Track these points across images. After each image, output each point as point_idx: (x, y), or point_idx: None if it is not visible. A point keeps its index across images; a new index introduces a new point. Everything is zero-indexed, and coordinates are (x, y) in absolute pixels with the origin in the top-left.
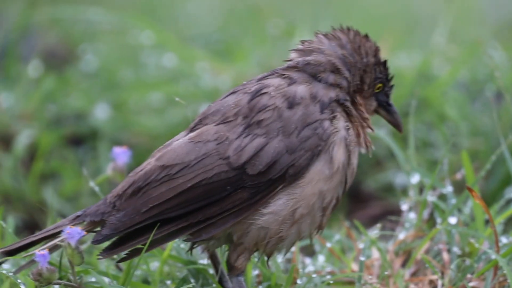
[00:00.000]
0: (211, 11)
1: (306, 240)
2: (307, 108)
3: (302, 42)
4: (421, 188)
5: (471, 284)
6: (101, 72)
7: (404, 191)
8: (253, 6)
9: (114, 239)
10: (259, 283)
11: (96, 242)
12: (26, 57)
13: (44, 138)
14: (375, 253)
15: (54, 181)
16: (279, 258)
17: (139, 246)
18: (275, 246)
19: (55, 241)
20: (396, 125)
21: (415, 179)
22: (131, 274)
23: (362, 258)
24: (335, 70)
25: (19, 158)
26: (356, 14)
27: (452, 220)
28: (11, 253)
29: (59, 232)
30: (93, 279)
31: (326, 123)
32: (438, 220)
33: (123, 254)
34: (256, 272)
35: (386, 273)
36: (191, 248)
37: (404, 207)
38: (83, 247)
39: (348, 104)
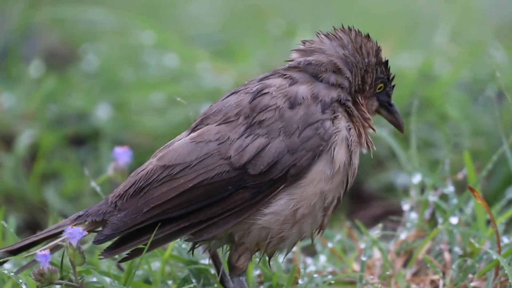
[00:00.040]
0: (213, 11)
1: (307, 240)
2: (309, 108)
3: (304, 42)
4: (422, 188)
5: (472, 284)
6: (102, 72)
7: (406, 191)
8: (254, 6)
9: (115, 239)
10: (261, 283)
11: (97, 242)
12: (28, 57)
13: (46, 138)
14: (377, 253)
15: (56, 181)
16: (281, 258)
17: (141, 246)
18: (277, 246)
19: (57, 241)
20: (398, 125)
21: (416, 179)
22: (133, 274)
23: (363, 258)
24: (337, 70)
25: (21, 158)
26: (357, 14)
27: (454, 220)
28: (12, 253)
29: (61, 232)
30: (95, 279)
31: (328, 123)
32: (440, 220)
33: (124, 254)
34: (258, 272)
35: (387, 273)
36: (193, 248)
37: (406, 207)
38: (85, 247)
39: (350, 104)
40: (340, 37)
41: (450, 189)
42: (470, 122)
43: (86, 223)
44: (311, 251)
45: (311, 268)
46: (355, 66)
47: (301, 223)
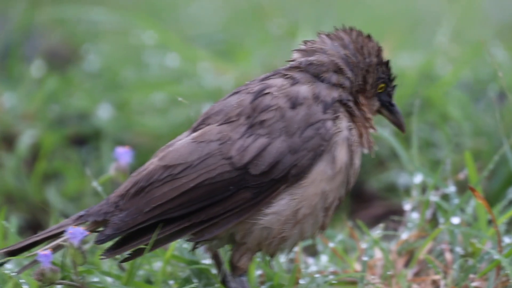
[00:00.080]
0: (214, 11)
1: (308, 240)
2: (310, 108)
3: (305, 42)
4: (424, 188)
5: (473, 284)
6: (104, 72)
7: (407, 191)
8: (255, 6)
9: (117, 239)
10: (262, 283)
11: (99, 242)
12: (29, 57)
13: (47, 138)
14: (378, 253)
15: (57, 181)
16: (282, 258)
17: (142, 246)
18: (278, 246)
19: (58, 241)
20: (399, 125)
21: (418, 179)
22: (134, 274)
23: (365, 258)
24: (338, 70)
25: (22, 158)
26: (358, 14)
27: (455, 220)
28: (13, 253)
29: (62, 232)
30: (96, 279)
31: (329, 123)
32: (441, 220)
33: (126, 254)
34: (259, 272)
35: (389, 273)
36: (194, 248)
37: (407, 207)
38: (86, 247)
39: (351, 104)
40: (341, 37)
41: (451, 189)
42: (471, 122)
43: (88, 223)
44: (312, 251)
45: (313, 268)
46: (356, 66)
47: (302, 223)
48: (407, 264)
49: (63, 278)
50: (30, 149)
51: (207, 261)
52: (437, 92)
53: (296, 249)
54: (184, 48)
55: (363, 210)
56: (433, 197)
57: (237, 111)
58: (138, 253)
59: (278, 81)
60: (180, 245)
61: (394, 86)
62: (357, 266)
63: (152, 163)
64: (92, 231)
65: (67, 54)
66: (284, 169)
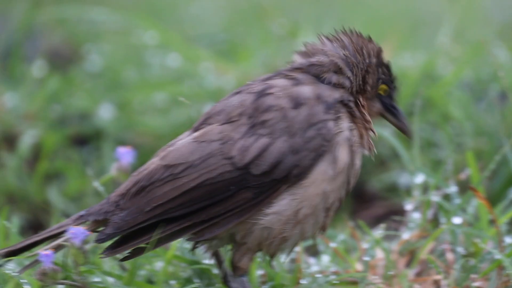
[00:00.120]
0: (215, 11)
1: (309, 240)
2: (312, 109)
3: (305, 44)
4: (425, 188)
5: (475, 284)
6: (105, 72)
7: (408, 191)
8: (257, 6)
9: (116, 238)
10: (263, 283)
11: (99, 241)
12: (30, 57)
13: (48, 138)
14: (379, 253)
15: (58, 181)
16: (282, 259)
17: (142, 245)
18: (278, 247)
19: (59, 241)
20: (404, 130)
21: (419, 179)
22: (135, 274)
23: (366, 258)
24: (338, 70)
25: (23, 158)
26: (360, 13)
27: (456, 220)
28: (14, 253)
29: (62, 232)
30: (98, 279)
31: (330, 124)
32: (442, 220)
33: (125, 253)
34: (260, 272)
35: (390, 273)
36: (194, 248)
37: (408, 207)
38: (87, 247)
39: (352, 105)
40: (341, 39)
41: (452, 189)
42: (472, 122)
43: (88, 222)
44: (314, 251)
45: (314, 268)
46: (356, 66)
47: (303, 223)
48: (408, 264)
49: (64, 278)
50: (32, 149)
51: (209, 261)
52: (438, 92)
53: (298, 249)
54: (185, 48)
55: (364, 210)
56: (435, 197)
57: (238, 111)
58: (138, 252)
59: (280, 82)
60: (181, 245)
61: (395, 89)
62: (359, 266)
63: (153, 162)
64: (93, 230)
65: (69, 54)
66: (286, 169)
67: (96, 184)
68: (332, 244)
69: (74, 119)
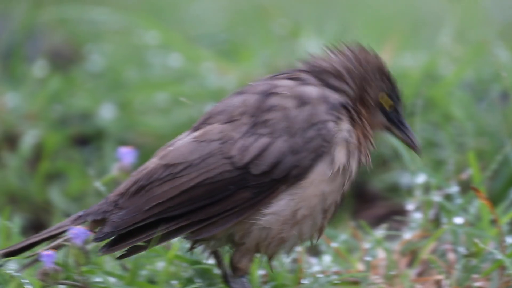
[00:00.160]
0: (217, 11)
1: (306, 243)
2: (314, 109)
3: (308, 54)
4: (426, 188)
5: (476, 284)
6: (106, 72)
7: (410, 191)
8: (258, 6)
9: (114, 236)
10: (265, 283)
11: (97, 239)
12: (32, 57)
13: (50, 138)
14: (381, 253)
15: (60, 181)
16: (283, 259)
17: (140, 243)
18: (277, 248)
19: (58, 241)
20: (411, 146)
21: (420, 179)
22: (137, 274)
23: (368, 258)
24: (340, 78)
25: (25, 158)
26: (361, 13)
27: (458, 220)
28: (13, 253)
29: (62, 233)
30: (99, 279)
31: (331, 125)
32: (444, 220)
33: (123, 251)
34: (262, 272)
35: (391, 273)
36: (192, 247)
37: (410, 207)
38: (89, 247)
39: (353, 112)
40: (342, 50)
41: (454, 189)
42: (474, 122)
43: (87, 223)
44: (315, 251)
45: (316, 268)
46: (357, 76)
47: (301, 224)
48: (410, 264)
49: (66, 278)
50: (33, 149)
51: (211, 261)
52: (439, 92)
53: (299, 249)
54: (186, 48)
55: (365, 210)
56: (436, 197)
57: (240, 110)
58: (135, 250)
59: (285, 81)
60: (183, 245)
61: (401, 103)
62: (360, 266)
63: (153, 162)
64: (92, 230)
65: (70, 54)
66: (285, 169)
67: (98, 184)
68: (334, 244)
69: (75, 119)
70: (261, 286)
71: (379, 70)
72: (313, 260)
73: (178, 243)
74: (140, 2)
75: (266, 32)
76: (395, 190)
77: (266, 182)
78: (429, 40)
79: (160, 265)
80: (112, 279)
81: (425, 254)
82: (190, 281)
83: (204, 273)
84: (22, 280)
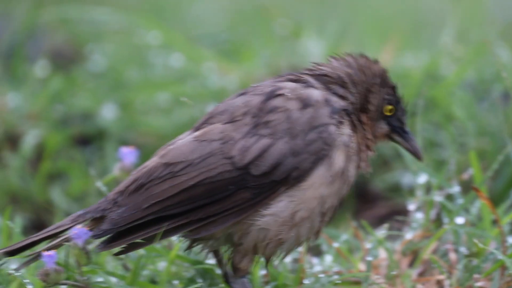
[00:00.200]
0: (218, 11)
1: (303, 246)
2: (316, 112)
3: (313, 63)
4: (428, 188)
5: (478, 284)
6: (108, 72)
7: (411, 191)
8: (260, 6)
9: (112, 233)
10: (266, 283)
11: (95, 236)
12: (33, 57)
13: (51, 138)
14: (382, 253)
15: (61, 181)
16: (286, 259)
17: (138, 240)
18: (274, 249)
19: (57, 240)
20: (414, 153)
21: (422, 179)
22: (139, 274)
23: (369, 258)
24: (343, 84)
25: (26, 158)
26: (362, 14)
27: (459, 220)
28: (12, 253)
29: (61, 232)
30: (100, 279)
31: (332, 128)
32: (445, 220)
33: (120, 247)
34: (263, 272)
35: (393, 273)
36: (190, 247)
37: (411, 207)
38: (90, 247)
39: (354, 118)
40: (346, 59)
41: (455, 189)
42: (475, 122)
43: (86, 221)
44: (316, 251)
45: (317, 268)
46: (359, 84)
47: (299, 226)
48: (411, 264)
49: (67, 278)
50: (34, 149)
51: (212, 261)
52: (441, 92)
53: (301, 249)
54: (188, 48)
55: (367, 210)
56: (438, 197)
57: (242, 111)
58: (133, 247)
59: (288, 83)
60: (184, 245)
61: (404, 111)
62: (362, 266)
63: (153, 160)
64: (92, 229)
65: (71, 54)
66: (285, 171)
67: (99, 184)
68: (335, 244)
69: (77, 119)
70: (262, 286)
71: (382, 78)
72: (315, 260)
73: (180, 243)
74: (141, 2)
75: (267, 32)
76: (397, 190)
77: (266, 183)
78: (431, 40)
79: (162, 265)
80: (113, 279)
81: (426, 254)
82: (191, 281)
83: (206, 273)
84: (24, 281)
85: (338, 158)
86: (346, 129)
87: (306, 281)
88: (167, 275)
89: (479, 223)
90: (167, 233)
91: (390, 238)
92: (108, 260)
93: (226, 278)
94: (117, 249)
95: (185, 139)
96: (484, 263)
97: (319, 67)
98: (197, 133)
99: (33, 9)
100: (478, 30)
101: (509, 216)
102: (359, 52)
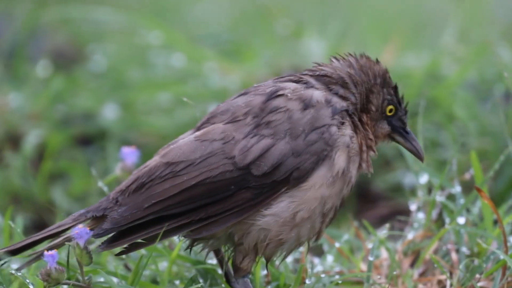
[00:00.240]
0: (220, 11)
1: (304, 247)
2: (318, 112)
3: (315, 63)
4: (429, 188)
5: (479, 284)
6: (109, 72)
7: (413, 191)
8: (261, 6)
9: (114, 233)
10: (268, 283)
11: (96, 236)
12: (35, 57)
13: (53, 138)
14: (384, 253)
15: (63, 181)
16: (278, 262)
17: (140, 240)
18: (275, 249)
19: (58, 240)
20: (415, 153)
21: (423, 179)
22: (140, 274)
23: (370, 258)
24: (344, 85)
25: (28, 158)
26: (364, 14)
27: (461, 220)
28: (13, 253)
29: (62, 231)
30: (102, 279)
31: (334, 129)
32: (447, 220)
33: (122, 247)
34: (264, 272)
35: (394, 273)
36: (191, 246)
37: (413, 207)
38: (91, 247)
39: (356, 118)
40: (348, 59)
41: (457, 189)
42: (477, 122)
43: (87, 220)
44: (318, 251)
45: (319, 268)
46: (360, 84)
47: (300, 227)
48: (413, 264)
49: (68, 278)
50: (36, 149)
51: (213, 261)
52: (443, 92)
53: (302, 249)
54: (190, 48)
55: (369, 210)
56: (439, 197)
57: (244, 111)
58: (134, 247)
59: (290, 84)
60: (186, 245)
61: (405, 112)
62: (363, 266)
63: (154, 160)
64: (93, 228)
65: (73, 54)
66: (287, 171)
67: (101, 184)
68: (337, 244)
69: (78, 119)
70: (264, 286)
71: (383, 79)
72: (316, 260)
73: (181, 243)
74: (143, 2)
75: (268, 32)
76: (398, 190)
77: (267, 184)
78: (432, 40)
79: (163, 265)
80: (114, 279)
81: (428, 254)
82: (193, 281)
83: (207, 273)
84: (25, 280)
85: (339, 159)
86: (348, 130)
87: (307, 281)
88: (169, 275)
89: (481, 223)
90: (168, 233)
91: (392, 238)
92: (110, 260)
93: (227, 278)
94: (118, 249)
95: (186, 138)
96: (485, 263)
97: (320, 67)
98: (198, 132)
99: (35, 9)
100: (479, 30)
101: (510, 216)
102: (360, 52)
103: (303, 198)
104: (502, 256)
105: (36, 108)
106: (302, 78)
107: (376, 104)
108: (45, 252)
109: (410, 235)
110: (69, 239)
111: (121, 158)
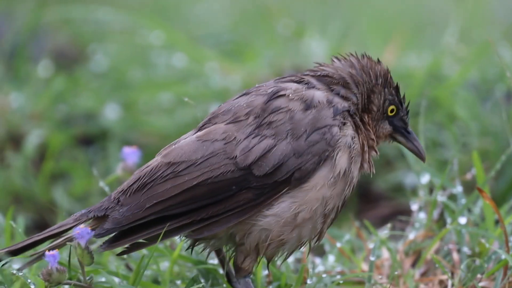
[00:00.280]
0: (221, 11)
1: (305, 247)
2: (319, 113)
3: (316, 63)
4: (431, 188)
5: (481, 284)
6: (111, 72)
7: (414, 191)
8: (262, 6)
9: (115, 233)
10: (269, 283)
11: (98, 235)
12: (36, 57)
13: (54, 138)
14: (385, 253)
15: (64, 181)
16: (279, 262)
17: (141, 240)
18: (276, 250)
19: (60, 240)
20: (417, 153)
21: (425, 179)
22: (141, 274)
23: (372, 258)
24: (345, 85)
25: (29, 158)
26: (365, 14)
27: (462, 220)
28: (15, 252)
29: (63, 231)
30: (103, 279)
31: (335, 129)
32: (448, 220)
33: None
34: (266, 272)
35: (396, 273)
36: (192, 246)
37: (414, 207)
38: (93, 247)
39: (357, 119)
40: (349, 59)
41: (458, 189)
42: (478, 122)
43: (89, 220)
44: (319, 251)
45: (320, 268)
46: (362, 84)
47: (301, 227)
48: (414, 264)
49: (70, 278)
50: (37, 149)
51: (215, 261)
52: (444, 92)
53: (303, 249)
54: (191, 48)
55: (370, 210)
56: (440, 197)
57: (246, 111)
58: (136, 247)
59: (292, 84)
60: (187, 245)
61: (407, 112)
62: (364, 266)
63: (156, 160)
64: (95, 228)
65: (74, 54)
66: (288, 171)
67: (102, 184)
68: (338, 244)
69: (79, 119)
70: (266, 286)
71: (384, 79)
72: (317, 260)
73: (183, 243)
74: (144, 2)
75: (270, 33)
76: (400, 190)
77: (268, 184)
78: (433, 40)
79: (164, 265)
80: (116, 279)
81: (429, 254)
82: (194, 281)
83: (208, 273)
84: (27, 280)
85: (341, 159)
86: (349, 130)
87: (309, 281)
88: (170, 275)
89: (482, 223)
90: (170, 233)
91: (393, 238)
92: (111, 260)
93: (228, 278)
94: (119, 249)
95: (188, 139)
96: (487, 263)
97: (322, 67)
98: (200, 133)
99: (36, 9)
100: (481, 30)
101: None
102: (361, 52)
103: (305, 199)
104: (503, 256)
105: (37, 108)
106: (303, 78)
107: (377, 104)
108: (47, 252)
109: (411, 235)
110: (70, 239)
111: (122, 158)
